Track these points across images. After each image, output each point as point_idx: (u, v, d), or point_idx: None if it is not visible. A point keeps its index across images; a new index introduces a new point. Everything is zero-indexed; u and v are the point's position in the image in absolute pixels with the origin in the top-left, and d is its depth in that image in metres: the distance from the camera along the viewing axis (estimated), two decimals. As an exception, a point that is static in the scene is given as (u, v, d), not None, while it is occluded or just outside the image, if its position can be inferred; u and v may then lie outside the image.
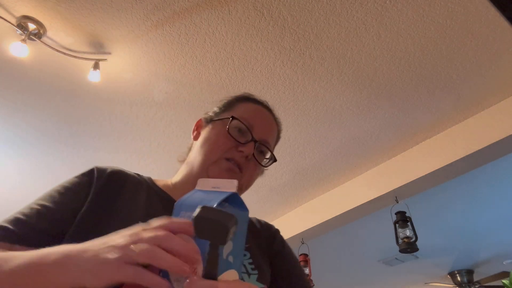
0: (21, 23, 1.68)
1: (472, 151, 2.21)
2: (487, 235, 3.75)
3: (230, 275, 0.42)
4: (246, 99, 0.84)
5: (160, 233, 0.40)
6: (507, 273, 4.03)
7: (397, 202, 2.59)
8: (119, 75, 1.98)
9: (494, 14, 1.68)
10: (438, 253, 4.08)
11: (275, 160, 0.77)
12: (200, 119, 0.83)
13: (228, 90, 2.06)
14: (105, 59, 1.87)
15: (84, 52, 1.84)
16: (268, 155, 0.77)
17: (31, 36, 1.71)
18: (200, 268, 0.40)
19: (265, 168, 0.77)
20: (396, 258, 3.99)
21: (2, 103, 2.13)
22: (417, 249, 2.49)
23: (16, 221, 0.55)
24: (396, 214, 2.59)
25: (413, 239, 2.49)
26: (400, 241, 2.51)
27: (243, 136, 0.73)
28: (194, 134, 0.81)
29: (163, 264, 0.38)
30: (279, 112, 2.21)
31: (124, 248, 0.39)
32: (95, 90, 2.05)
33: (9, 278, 0.42)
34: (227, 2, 1.63)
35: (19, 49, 1.73)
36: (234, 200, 0.49)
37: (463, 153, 2.24)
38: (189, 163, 0.75)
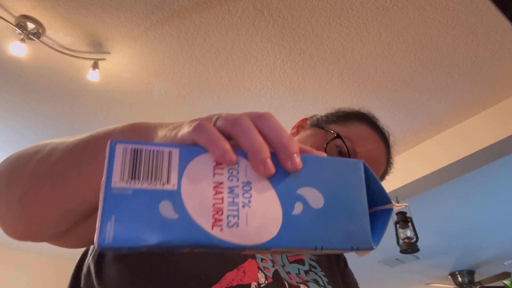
0: (20, 23, 1.68)
1: (473, 151, 2.20)
2: (488, 236, 3.73)
3: None
4: (366, 120, 0.70)
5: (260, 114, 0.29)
6: (508, 273, 4.02)
7: (398, 203, 2.58)
8: (118, 75, 1.97)
9: (495, 14, 1.67)
10: (439, 254, 4.07)
11: None
12: (306, 119, 0.74)
13: (228, 89, 2.05)
14: (104, 59, 1.86)
15: (83, 52, 1.83)
16: None
17: (30, 36, 1.71)
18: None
19: None
20: (396, 259, 3.98)
21: (1, 102, 2.13)
22: (418, 250, 2.48)
23: None
24: (396, 214, 2.59)
25: (414, 239, 2.48)
26: (400, 241, 2.50)
27: None
28: (293, 131, 0.73)
29: (243, 138, 0.27)
30: (279, 112, 2.22)
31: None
32: (94, 89, 2.04)
33: (77, 145, 0.38)
34: (227, 2, 1.62)
35: (18, 49, 1.72)
36: None
37: (464, 153, 2.24)
38: None
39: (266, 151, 0.26)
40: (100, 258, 0.51)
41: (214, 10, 1.65)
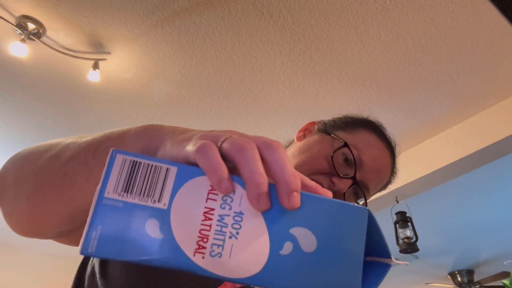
0: (21, 23, 1.68)
1: (472, 151, 2.20)
2: (488, 235, 3.74)
3: None
4: (373, 128, 0.72)
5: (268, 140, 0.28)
6: (508, 273, 4.02)
7: (398, 202, 2.58)
8: (119, 75, 1.97)
9: (495, 14, 1.67)
10: (438, 253, 4.07)
11: None
12: (314, 123, 0.75)
13: (228, 90, 2.06)
14: (105, 59, 1.86)
15: (84, 52, 1.84)
16: (361, 202, 0.66)
17: (30, 36, 1.71)
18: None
19: None
20: (396, 259, 3.98)
21: (2, 102, 2.13)
22: (417, 250, 2.48)
23: None
24: (396, 214, 2.59)
25: (414, 239, 2.48)
26: (400, 241, 2.51)
27: (346, 167, 0.64)
28: (300, 134, 0.74)
29: (244, 168, 0.26)
30: (279, 112, 2.22)
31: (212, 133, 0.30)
32: (95, 90, 2.05)
33: (90, 145, 0.38)
34: (227, 2, 1.62)
35: (19, 49, 1.73)
36: None
37: (464, 153, 2.24)
38: None
39: (264, 185, 0.25)
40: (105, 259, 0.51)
41: (214, 10, 1.66)
